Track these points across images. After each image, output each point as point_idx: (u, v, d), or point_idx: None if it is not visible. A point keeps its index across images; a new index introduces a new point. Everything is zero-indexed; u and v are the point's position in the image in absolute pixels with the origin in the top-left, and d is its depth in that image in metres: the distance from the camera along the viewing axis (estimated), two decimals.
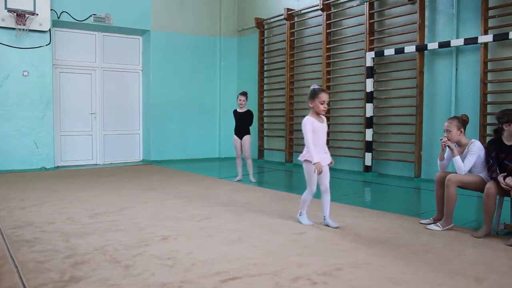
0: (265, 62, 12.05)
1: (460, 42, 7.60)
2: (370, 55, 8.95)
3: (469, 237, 4.41)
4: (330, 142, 10.19)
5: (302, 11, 10.82)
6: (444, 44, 7.83)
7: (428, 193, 7.11)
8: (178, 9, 11.95)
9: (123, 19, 11.10)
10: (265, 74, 12.03)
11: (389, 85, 8.99)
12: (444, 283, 3.19)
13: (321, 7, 10.02)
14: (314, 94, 4.82)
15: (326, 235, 4.50)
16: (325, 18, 10.05)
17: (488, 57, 7.42)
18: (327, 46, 10.04)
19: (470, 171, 4.72)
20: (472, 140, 4.79)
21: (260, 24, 11.91)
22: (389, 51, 8.64)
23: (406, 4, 8.51)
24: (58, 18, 10.31)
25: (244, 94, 8.22)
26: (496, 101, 7.32)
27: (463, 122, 4.80)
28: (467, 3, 7.74)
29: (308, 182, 5.01)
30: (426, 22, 8.29)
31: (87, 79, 11.18)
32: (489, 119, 7.29)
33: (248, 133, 8.23)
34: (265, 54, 12.03)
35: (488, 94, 7.43)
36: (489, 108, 7.39)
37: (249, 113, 8.22)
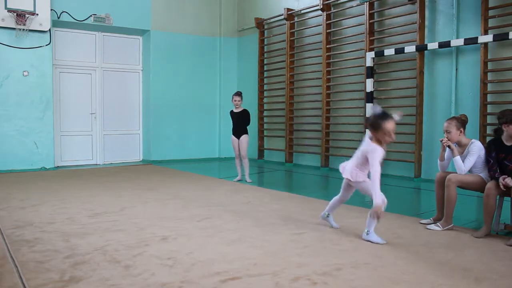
0: (265, 62, 12.05)
1: (460, 42, 7.60)
2: (370, 55, 8.94)
3: (469, 237, 4.41)
4: (330, 142, 10.21)
5: (302, 11, 10.82)
6: (444, 44, 7.83)
7: (428, 193, 7.11)
8: (178, 9, 11.95)
9: (123, 19, 11.10)
10: (265, 74, 12.03)
11: (389, 85, 8.99)
12: (444, 283, 3.19)
13: (321, 7, 10.02)
14: (378, 124, 4.20)
15: (326, 235, 4.50)
16: (325, 18, 10.05)
17: (488, 57, 7.42)
18: (327, 46, 10.04)
19: (470, 171, 4.72)
20: (472, 140, 4.79)
21: (260, 24, 11.91)
22: (389, 51, 8.63)
23: (406, 4, 8.51)
24: (58, 18, 10.31)
25: (239, 94, 8.23)
26: (496, 101, 7.32)
27: (462, 122, 4.80)
28: (467, 3, 7.73)
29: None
30: (426, 22, 8.29)
31: (87, 79, 11.18)
32: (489, 119, 7.29)
33: (246, 132, 8.24)
34: (265, 54, 12.03)
35: (488, 94, 7.43)
36: (489, 108, 7.39)
37: (245, 113, 8.23)
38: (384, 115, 4.11)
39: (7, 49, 9.63)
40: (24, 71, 9.80)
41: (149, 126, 11.70)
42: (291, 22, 11.01)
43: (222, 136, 12.48)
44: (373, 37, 9.16)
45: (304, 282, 3.18)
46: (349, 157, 10.64)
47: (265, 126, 12.04)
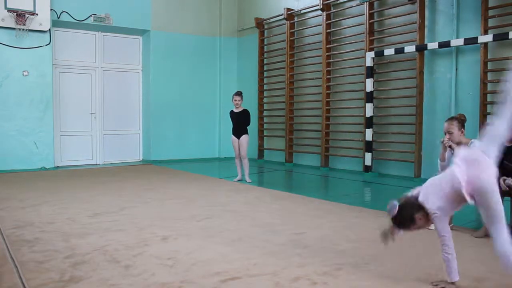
0: (265, 62, 12.05)
1: (460, 42, 7.60)
2: (370, 55, 8.95)
3: (469, 237, 4.41)
4: (330, 142, 10.21)
5: (302, 11, 10.82)
6: (444, 44, 7.83)
7: None
8: (178, 9, 11.96)
9: (123, 19, 11.10)
10: (265, 74, 12.04)
11: (389, 85, 8.99)
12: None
13: (321, 7, 10.02)
14: (410, 221, 3.17)
15: (326, 235, 4.50)
16: (325, 18, 10.06)
17: (488, 57, 7.42)
18: (327, 46, 10.04)
19: None
20: (472, 140, 4.78)
21: (260, 24, 11.91)
22: (389, 51, 8.64)
23: (406, 4, 8.51)
24: (58, 18, 10.30)
25: (239, 94, 8.23)
26: (496, 101, 7.31)
27: (462, 122, 4.80)
28: (467, 3, 7.73)
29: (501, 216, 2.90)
30: (426, 22, 8.28)
31: (87, 79, 11.18)
32: (489, 119, 7.28)
33: (246, 132, 8.24)
34: (265, 54, 12.03)
35: (488, 94, 7.43)
36: (489, 108, 7.38)
37: (245, 113, 8.22)
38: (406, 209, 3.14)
39: (7, 49, 9.63)
40: (24, 71, 9.80)
41: (149, 126, 11.70)
42: (291, 22, 11.02)
43: (222, 136, 12.49)
44: (373, 37, 9.16)
45: (304, 282, 3.18)
46: (349, 156, 10.68)
47: (265, 126, 12.04)
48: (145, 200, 6.30)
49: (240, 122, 8.23)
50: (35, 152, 9.98)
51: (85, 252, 3.87)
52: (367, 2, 9.04)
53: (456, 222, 4.77)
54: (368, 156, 9.05)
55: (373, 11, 9.16)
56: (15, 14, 9.36)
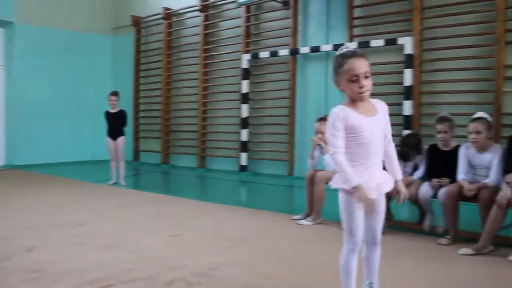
0: (141, 62, 11.76)
1: (329, 47, 8.11)
2: (246, 57, 9.16)
3: (337, 230, 4.70)
4: (206, 143, 10.24)
5: (180, 11, 10.75)
6: (315, 49, 8.29)
7: (300, 190, 7.44)
8: (48, 2, 11.14)
9: None
10: (142, 74, 11.75)
11: (264, 86, 9.28)
12: (314, 275, 3.37)
13: (199, 8, 10.04)
14: (337, 66, 2.52)
15: (202, 235, 4.51)
16: (203, 19, 10.09)
17: None
18: (204, 47, 10.08)
19: None
20: None
21: (137, 22, 11.60)
22: (264, 54, 8.92)
23: (281, 9, 8.86)
24: None
25: (116, 94, 7.92)
26: None
27: None
28: (335, 12, 8.27)
29: (346, 227, 2.56)
30: (299, 28, 8.70)
31: None
32: None
33: (122, 134, 7.95)
34: (141, 53, 11.74)
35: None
36: None
37: (122, 114, 7.93)
38: (348, 51, 2.50)
39: None
40: None
41: (14, 127, 10.75)
42: (169, 21, 10.88)
43: (97, 138, 11.86)
44: (249, 40, 9.40)
45: (179, 284, 3.15)
46: (225, 156, 10.82)
47: (141, 127, 11.76)
48: (7, 208, 5.78)
49: (116, 123, 7.90)
50: None
51: None
52: (245, 6, 9.24)
53: (325, 217, 5.04)
54: (243, 156, 9.26)
55: (249, 14, 9.40)
56: None
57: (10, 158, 10.84)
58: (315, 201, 4.93)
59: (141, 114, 11.75)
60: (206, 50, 10.12)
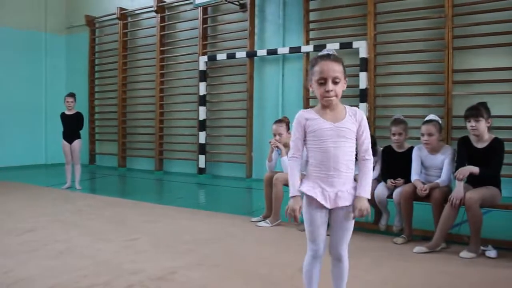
0: (96, 63, 11.51)
1: (286, 50, 8.19)
2: (203, 59, 9.13)
3: (295, 230, 4.75)
4: (164, 146, 10.13)
5: (136, 12, 10.59)
6: (272, 52, 8.35)
7: (259, 192, 7.48)
8: None
9: None
10: (97, 75, 11.50)
11: (221, 89, 9.27)
12: (274, 274, 3.38)
13: (155, 8, 9.93)
14: (310, 67, 2.44)
15: (160, 239, 4.45)
16: (159, 20, 9.98)
17: None
18: (161, 49, 9.97)
19: None
20: None
21: (91, 22, 11.34)
22: (221, 56, 8.92)
23: (238, 11, 8.88)
24: None
25: (72, 95, 7.71)
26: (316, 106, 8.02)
27: (287, 124, 5.17)
28: (292, 15, 8.37)
29: (307, 233, 2.50)
30: (256, 30, 8.75)
31: None
32: None
33: (79, 137, 7.73)
34: (96, 54, 11.49)
35: (310, 99, 8.12)
36: None
37: (78, 116, 7.72)
38: (324, 54, 2.40)
39: None
40: None
41: None
42: (124, 22, 10.70)
43: (49, 141, 11.51)
44: (206, 42, 9.37)
45: None
46: (183, 159, 10.72)
47: (97, 129, 11.50)
48: None
49: (72, 126, 7.67)
50: None
51: None
52: (201, 7, 9.20)
53: (284, 218, 5.08)
54: (201, 158, 9.21)
55: (206, 16, 9.37)
56: None
57: None
58: (274, 202, 4.96)
59: (97, 116, 11.49)
60: (162, 52, 10.01)
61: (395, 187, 4.41)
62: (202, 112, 9.16)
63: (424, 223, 4.50)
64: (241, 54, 8.65)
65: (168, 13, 10.08)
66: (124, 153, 10.74)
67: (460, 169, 3.94)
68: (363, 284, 3.24)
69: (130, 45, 10.80)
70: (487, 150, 4.04)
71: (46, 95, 11.64)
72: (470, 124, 4.04)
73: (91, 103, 11.38)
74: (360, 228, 4.82)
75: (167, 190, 8.51)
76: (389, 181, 4.45)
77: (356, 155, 2.43)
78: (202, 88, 9.15)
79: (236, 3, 8.78)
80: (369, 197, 2.43)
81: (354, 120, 2.38)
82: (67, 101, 7.63)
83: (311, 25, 8.12)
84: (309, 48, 7.93)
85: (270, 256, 3.90)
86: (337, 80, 2.34)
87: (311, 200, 2.39)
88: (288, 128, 5.14)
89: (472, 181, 4.02)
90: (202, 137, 9.19)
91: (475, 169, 3.90)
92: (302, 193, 2.42)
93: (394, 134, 4.56)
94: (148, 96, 10.32)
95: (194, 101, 9.40)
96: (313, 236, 2.45)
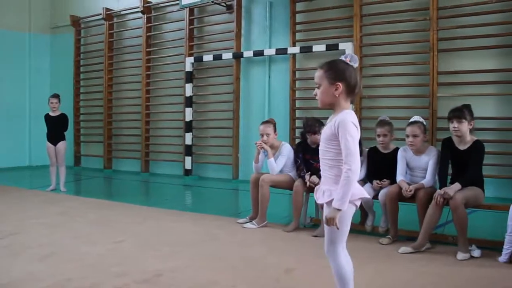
0: (81, 63, 11.41)
1: (272, 51, 8.21)
2: (190, 60, 9.10)
3: (281, 232, 4.75)
4: (150, 147, 10.08)
5: (122, 12, 10.52)
6: (259, 53, 8.36)
7: (245, 193, 7.47)
8: None
9: None
10: (82, 76, 11.40)
11: (208, 90, 9.25)
12: (258, 275, 3.38)
13: (141, 9, 9.87)
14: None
15: (146, 241, 4.42)
16: (145, 21, 9.93)
17: (296, 67, 8.14)
18: (147, 50, 9.92)
19: (281, 171, 5.09)
20: (283, 142, 5.20)
21: (76, 22, 11.24)
22: (208, 57, 8.90)
23: (224, 12, 8.87)
24: None
25: (56, 96, 7.61)
26: (303, 107, 8.06)
27: (274, 125, 5.18)
28: (278, 17, 8.39)
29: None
30: (243, 31, 8.75)
31: None
32: (298, 123, 7.97)
33: (63, 138, 7.64)
34: (81, 54, 11.39)
35: (296, 100, 8.14)
36: (298, 113, 8.10)
37: (63, 117, 7.63)
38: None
39: None
40: None
41: None
42: (110, 22, 10.62)
43: (33, 142, 11.37)
44: (193, 43, 9.35)
45: None
46: (169, 161, 10.68)
47: (82, 131, 11.40)
48: None
49: (57, 127, 7.57)
50: None
51: None
52: (188, 8, 9.17)
53: (270, 219, 5.09)
54: (188, 160, 9.17)
55: (193, 17, 9.34)
56: None
57: None
58: (260, 204, 4.96)
59: (82, 117, 11.39)
60: (149, 53, 9.96)
61: (381, 188, 4.44)
62: (189, 113, 9.13)
63: (410, 223, 4.54)
64: (227, 56, 8.64)
65: (154, 14, 10.03)
66: (110, 154, 10.66)
67: (446, 190, 3.95)
68: None
69: (116, 45, 10.73)
70: (469, 152, 4.10)
71: (30, 96, 11.51)
72: (453, 125, 4.10)
73: (76, 104, 11.27)
74: None
75: (153, 192, 8.47)
76: (374, 182, 4.47)
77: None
78: (189, 89, 9.12)
79: (223, 4, 8.77)
80: (340, 208, 2.34)
81: (333, 124, 2.42)
82: (52, 102, 7.54)
83: (298, 27, 8.15)
84: (296, 49, 7.95)
85: (257, 258, 3.90)
86: (317, 86, 2.47)
87: None
88: (275, 129, 5.15)
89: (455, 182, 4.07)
90: (188, 138, 9.16)
91: (458, 187, 3.95)
92: None
93: (379, 136, 4.59)
94: (134, 97, 10.25)
95: (181, 102, 9.37)
96: None
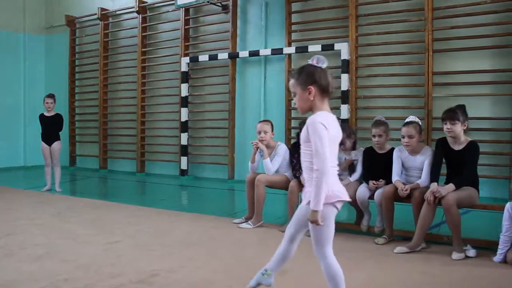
0: (76, 64, 11.38)
1: (268, 52, 8.21)
2: (185, 60, 9.09)
3: (277, 231, 4.75)
4: (146, 147, 10.06)
5: (117, 12, 10.50)
6: (254, 53, 8.36)
7: (241, 193, 7.45)
8: None
9: None
10: (77, 76, 11.37)
11: (203, 90, 9.24)
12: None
13: (137, 9, 9.85)
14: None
15: (142, 241, 4.41)
16: (140, 21, 9.91)
17: (292, 67, 8.14)
18: (142, 50, 9.90)
19: (277, 171, 5.09)
20: (279, 142, 5.20)
21: (72, 22, 11.21)
22: (203, 57, 8.89)
23: (220, 13, 8.86)
24: None
25: (52, 96, 7.59)
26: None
27: (272, 125, 5.18)
28: (274, 17, 8.39)
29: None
30: (238, 32, 8.74)
31: None
32: (293, 123, 7.98)
33: (58, 139, 7.62)
34: (77, 54, 11.36)
35: (292, 101, 8.13)
36: (293, 113, 8.10)
37: (58, 117, 7.60)
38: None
39: None
40: None
41: None
42: (105, 22, 10.59)
43: (28, 142, 11.33)
44: (188, 43, 9.34)
45: None
46: (165, 161, 10.67)
47: (77, 131, 11.37)
48: None
49: (51, 127, 7.55)
50: None
51: None
52: (183, 8, 9.16)
53: (266, 219, 5.09)
54: (184, 160, 9.16)
55: (188, 17, 9.33)
56: None
57: None
58: (256, 204, 4.96)
59: (77, 117, 11.36)
60: (144, 53, 9.94)
61: (377, 188, 4.45)
62: (184, 114, 9.12)
63: (405, 223, 4.55)
64: (223, 56, 8.63)
65: (150, 14, 10.01)
66: (105, 154, 10.63)
67: (438, 189, 3.95)
68: (345, 284, 3.25)
69: (111, 45, 10.70)
70: (463, 153, 4.11)
71: (25, 97, 11.47)
72: (446, 126, 4.12)
73: (71, 104, 11.24)
74: (342, 229, 4.85)
75: (149, 192, 8.45)
76: (370, 182, 4.48)
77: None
78: (184, 89, 9.11)
79: (218, 4, 8.76)
80: (315, 209, 2.40)
81: (306, 127, 2.49)
82: (47, 102, 7.51)
83: (293, 27, 8.15)
84: (291, 49, 7.95)
85: (252, 258, 3.90)
86: (293, 95, 2.58)
87: None
88: (272, 129, 5.16)
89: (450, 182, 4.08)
90: (184, 138, 9.15)
91: (452, 187, 3.96)
92: None
93: (374, 136, 4.60)
94: (129, 97, 10.23)
95: (176, 102, 9.36)
96: None
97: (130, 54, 10.17)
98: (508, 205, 3.72)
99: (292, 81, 2.55)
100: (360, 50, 7.52)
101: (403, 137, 4.34)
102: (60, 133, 7.68)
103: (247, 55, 8.42)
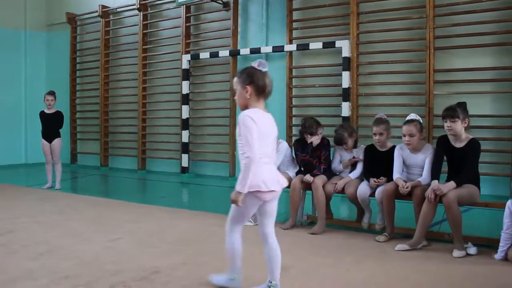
0: (77, 61, 11.38)
1: (269, 49, 8.20)
2: (186, 57, 9.08)
3: (278, 229, 4.73)
4: (147, 145, 10.07)
5: (118, 10, 10.50)
6: (255, 50, 8.35)
7: None
8: None
9: None
10: (78, 73, 11.37)
11: (204, 87, 9.24)
12: (254, 275, 3.38)
13: (138, 6, 9.85)
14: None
15: (143, 238, 4.42)
16: (141, 18, 9.90)
17: (293, 64, 8.14)
18: (143, 47, 9.90)
19: (278, 168, 5.08)
20: (280, 140, 5.19)
21: (72, 19, 11.20)
22: (204, 55, 8.89)
23: (221, 10, 8.85)
24: None
25: (52, 93, 7.59)
26: (299, 104, 8.07)
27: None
28: (275, 15, 8.38)
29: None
30: (239, 29, 8.74)
31: None
32: (295, 121, 7.98)
33: (58, 136, 7.62)
34: (77, 52, 11.36)
35: (293, 98, 8.14)
36: (294, 111, 8.10)
37: (58, 114, 7.61)
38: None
39: None
40: None
41: None
42: (106, 20, 10.59)
43: (29, 140, 11.35)
44: (189, 40, 9.33)
45: None
46: (166, 158, 10.66)
47: (78, 128, 11.37)
48: None
49: (52, 125, 7.55)
50: None
51: None
52: (184, 5, 9.15)
53: None
54: (184, 157, 9.17)
55: (189, 14, 9.32)
56: None
57: None
58: None
59: (78, 115, 11.37)
60: (145, 50, 9.94)
61: (378, 185, 4.44)
62: (185, 111, 9.12)
63: (406, 221, 4.55)
64: (224, 53, 8.63)
65: (151, 11, 10.00)
66: (106, 152, 10.64)
67: (439, 186, 3.94)
68: (345, 282, 3.27)
69: (112, 43, 10.70)
70: (464, 150, 4.10)
71: (26, 94, 11.48)
72: (447, 124, 4.11)
73: (72, 102, 11.24)
74: (343, 226, 4.88)
75: (150, 190, 8.46)
76: (371, 179, 4.48)
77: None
78: (185, 87, 9.11)
79: (219, 1, 8.75)
80: (239, 190, 2.76)
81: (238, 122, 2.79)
82: (47, 99, 7.51)
83: (294, 24, 8.14)
84: (292, 47, 7.94)
85: (253, 255, 3.89)
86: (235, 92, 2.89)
87: None
88: None
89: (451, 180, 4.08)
90: (185, 136, 9.15)
91: (453, 185, 3.94)
92: None
93: (375, 134, 4.60)
94: (130, 94, 10.24)
95: (177, 100, 9.36)
96: None
97: (131, 51, 10.18)
98: (509, 202, 3.72)
99: (235, 79, 2.87)
100: (361, 47, 7.51)
101: (404, 135, 4.34)
102: (60, 130, 7.69)
103: (248, 53, 8.41)
